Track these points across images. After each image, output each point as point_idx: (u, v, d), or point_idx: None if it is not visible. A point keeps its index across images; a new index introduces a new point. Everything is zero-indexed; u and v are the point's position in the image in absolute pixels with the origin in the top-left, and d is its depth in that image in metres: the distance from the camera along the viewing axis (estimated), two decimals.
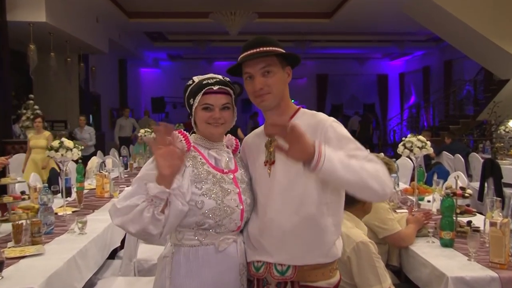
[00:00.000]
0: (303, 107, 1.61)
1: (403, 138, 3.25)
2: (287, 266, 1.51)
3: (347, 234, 2.04)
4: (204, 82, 1.55)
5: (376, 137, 15.37)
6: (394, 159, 4.11)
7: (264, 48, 1.49)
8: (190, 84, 1.60)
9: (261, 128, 1.67)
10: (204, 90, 1.53)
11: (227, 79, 1.61)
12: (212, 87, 1.54)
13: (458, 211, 2.72)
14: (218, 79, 1.57)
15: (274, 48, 1.51)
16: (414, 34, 11.82)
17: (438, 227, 2.43)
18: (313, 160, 1.29)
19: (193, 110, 1.56)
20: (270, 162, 1.54)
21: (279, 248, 1.50)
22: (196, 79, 1.60)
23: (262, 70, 1.49)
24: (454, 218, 2.40)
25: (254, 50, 1.49)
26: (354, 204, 2.19)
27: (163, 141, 1.31)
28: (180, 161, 1.33)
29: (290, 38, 12.23)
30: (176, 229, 1.53)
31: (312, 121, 1.49)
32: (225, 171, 1.57)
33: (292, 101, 1.62)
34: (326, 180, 1.39)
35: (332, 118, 1.50)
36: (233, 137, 1.71)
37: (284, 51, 1.52)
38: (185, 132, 1.56)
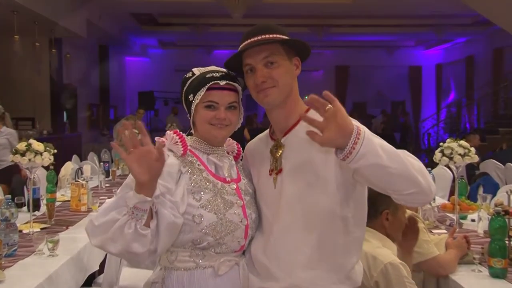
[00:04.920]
0: None
1: (441, 144, 3.23)
2: None
3: (373, 255, 2.02)
4: (208, 75, 1.56)
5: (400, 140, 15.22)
6: (429, 168, 4.08)
7: (267, 36, 1.52)
8: (190, 77, 1.61)
9: (265, 132, 1.69)
10: (209, 84, 1.54)
11: (232, 73, 1.62)
12: (219, 82, 1.55)
13: (511, 233, 2.68)
14: (223, 73, 1.59)
15: (278, 35, 1.52)
16: (455, 16, 11.80)
17: (486, 253, 2.40)
18: (351, 138, 1.24)
19: (193, 107, 1.56)
20: (276, 171, 1.55)
21: (287, 272, 1.51)
22: (197, 71, 1.62)
23: (265, 60, 1.51)
24: (507, 242, 2.37)
25: (255, 38, 1.52)
26: (372, 219, 2.16)
27: (134, 142, 1.30)
28: (159, 163, 1.31)
29: (304, 22, 12.27)
30: (168, 249, 1.52)
31: None
32: (227, 180, 1.59)
33: (306, 97, 1.61)
34: (363, 169, 1.31)
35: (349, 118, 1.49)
36: (235, 142, 1.73)
37: (289, 38, 1.54)
38: (181, 133, 1.56)
